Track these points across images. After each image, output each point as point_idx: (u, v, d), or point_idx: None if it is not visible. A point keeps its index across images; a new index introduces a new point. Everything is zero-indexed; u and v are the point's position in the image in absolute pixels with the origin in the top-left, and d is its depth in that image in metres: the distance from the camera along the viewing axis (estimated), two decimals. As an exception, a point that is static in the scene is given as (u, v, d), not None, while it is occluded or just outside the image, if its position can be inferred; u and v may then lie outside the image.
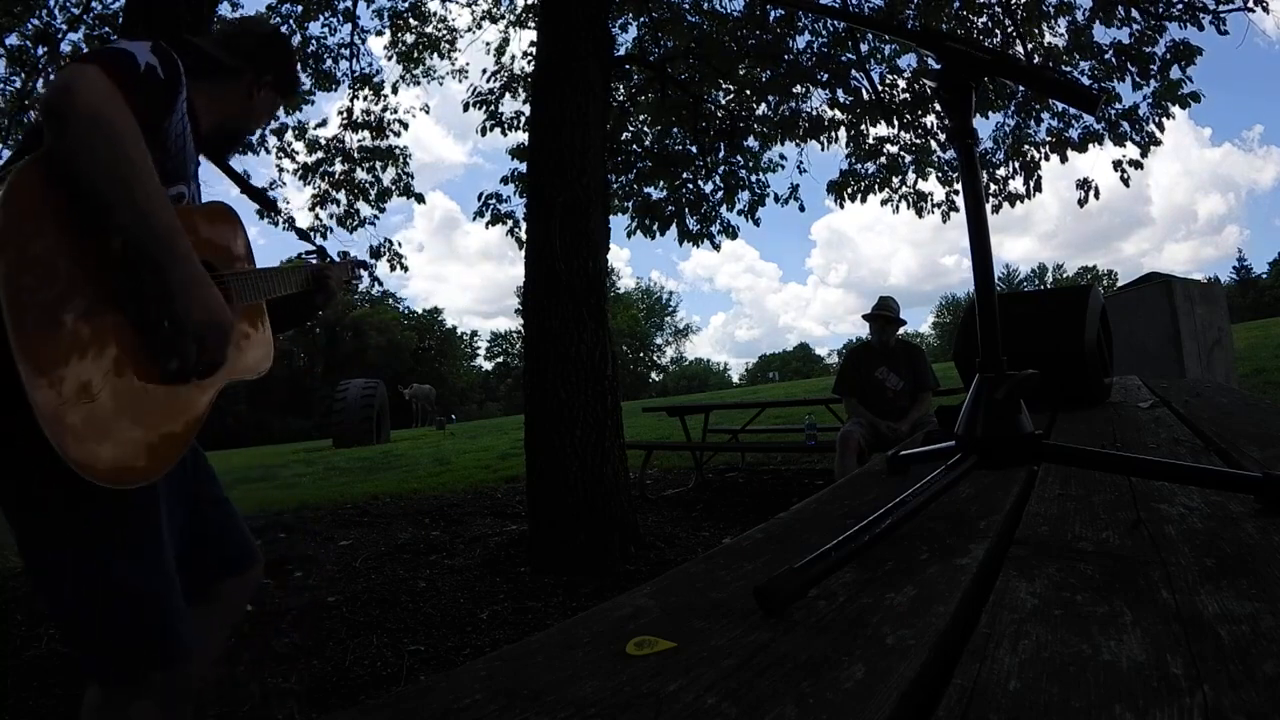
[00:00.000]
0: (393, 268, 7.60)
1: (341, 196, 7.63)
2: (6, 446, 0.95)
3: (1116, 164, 5.94)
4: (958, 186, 6.39)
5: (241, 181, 1.70)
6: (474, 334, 76.81)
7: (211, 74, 1.25)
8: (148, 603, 1.06)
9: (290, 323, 1.55)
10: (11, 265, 0.85)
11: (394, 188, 7.75)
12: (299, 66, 1.46)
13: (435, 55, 7.80)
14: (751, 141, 6.74)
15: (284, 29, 7.08)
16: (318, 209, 7.55)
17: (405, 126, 7.67)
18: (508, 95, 7.12)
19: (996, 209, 6.70)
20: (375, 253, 7.34)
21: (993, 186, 6.58)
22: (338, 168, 7.64)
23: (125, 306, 0.98)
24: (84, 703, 1.10)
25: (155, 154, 1.00)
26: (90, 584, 1.02)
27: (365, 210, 7.71)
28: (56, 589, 1.03)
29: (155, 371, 1.03)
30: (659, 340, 63.23)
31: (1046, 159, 6.34)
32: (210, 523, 1.30)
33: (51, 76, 6.38)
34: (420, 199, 7.89)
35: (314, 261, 1.60)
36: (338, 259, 1.70)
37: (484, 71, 7.30)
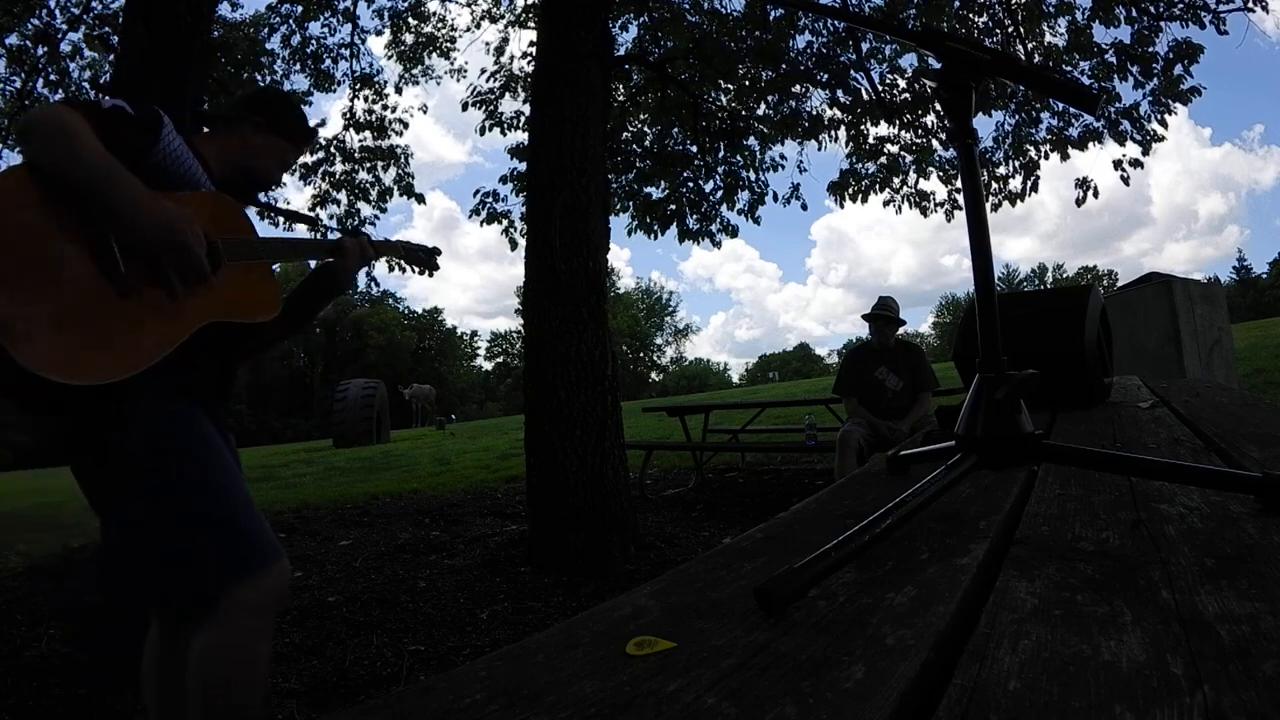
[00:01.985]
0: (391, 268, 7.61)
1: (342, 196, 7.64)
2: (60, 415, 1.14)
3: (1117, 163, 5.94)
4: (958, 185, 6.39)
5: (280, 211, 1.89)
6: (474, 334, 76.84)
7: (214, 128, 1.51)
8: (231, 510, 1.20)
9: (326, 292, 1.61)
10: None
11: (395, 187, 7.76)
12: (295, 110, 1.58)
13: (435, 55, 7.81)
14: (751, 141, 6.75)
15: (284, 29, 7.10)
16: (318, 209, 7.56)
17: (406, 126, 7.69)
18: (507, 95, 7.13)
19: (996, 208, 6.70)
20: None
21: (993, 185, 6.58)
22: (338, 168, 7.64)
23: (106, 250, 1.15)
24: (190, 654, 1.16)
25: (143, 172, 1.19)
26: (173, 518, 1.16)
27: (366, 210, 7.73)
28: (135, 526, 1.17)
29: (131, 295, 1.16)
30: (659, 340, 63.27)
31: (1046, 158, 6.34)
32: None
33: (52, 77, 6.40)
34: (421, 199, 7.89)
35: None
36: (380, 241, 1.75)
37: (483, 71, 7.30)
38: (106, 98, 1.29)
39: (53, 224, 1.12)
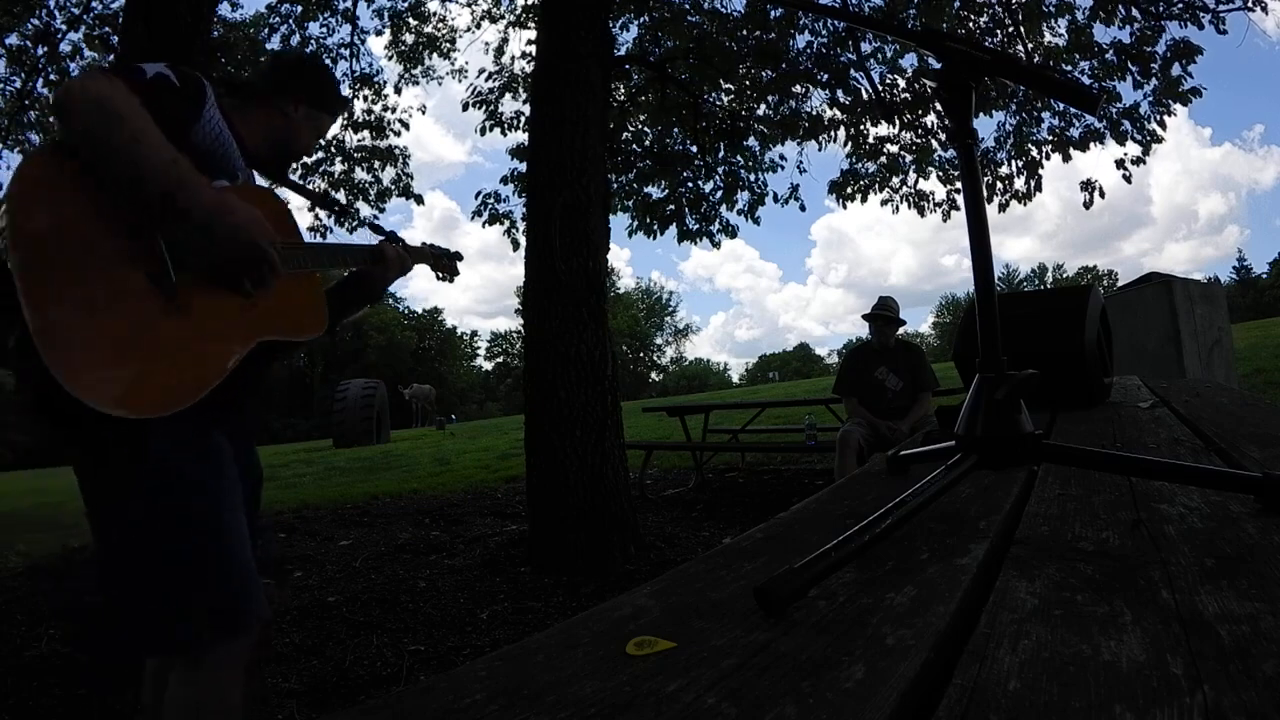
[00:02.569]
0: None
1: (340, 196, 7.64)
2: (78, 427, 1.03)
3: (1119, 162, 5.94)
4: (958, 185, 6.39)
5: (309, 193, 1.78)
6: (474, 334, 76.71)
7: (249, 98, 1.37)
8: (232, 568, 1.11)
9: (360, 299, 1.56)
10: (27, 241, 0.95)
11: (394, 188, 7.76)
12: (333, 82, 1.49)
13: (435, 55, 7.81)
14: (751, 141, 6.75)
15: (283, 29, 7.09)
16: (317, 208, 7.55)
17: (405, 126, 7.68)
18: (507, 95, 7.13)
19: (1003, 208, 6.70)
20: None
21: (997, 185, 6.57)
22: (337, 167, 7.64)
23: (152, 255, 1.04)
24: (169, 694, 1.11)
25: (188, 154, 1.07)
26: (171, 551, 1.07)
27: (365, 210, 7.73)
28: (133, 562, 1.07)
29: (184, 315, 1.07)
30: (659, 340, 63.25)
31: (1048, 158, 6.34)
32: (253, 518, 1.31)
33: (52, 77, 6.39)
34: (419, 200, 7.89)
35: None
36: (410, 246, 1.68)
37: (483, 72, 7.28)
38: (149, 65, 1.12)
39: (94, 222, 1.00)
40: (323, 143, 7.52)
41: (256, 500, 1.38)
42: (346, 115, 7.56)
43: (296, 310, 1.27)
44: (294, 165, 1.53)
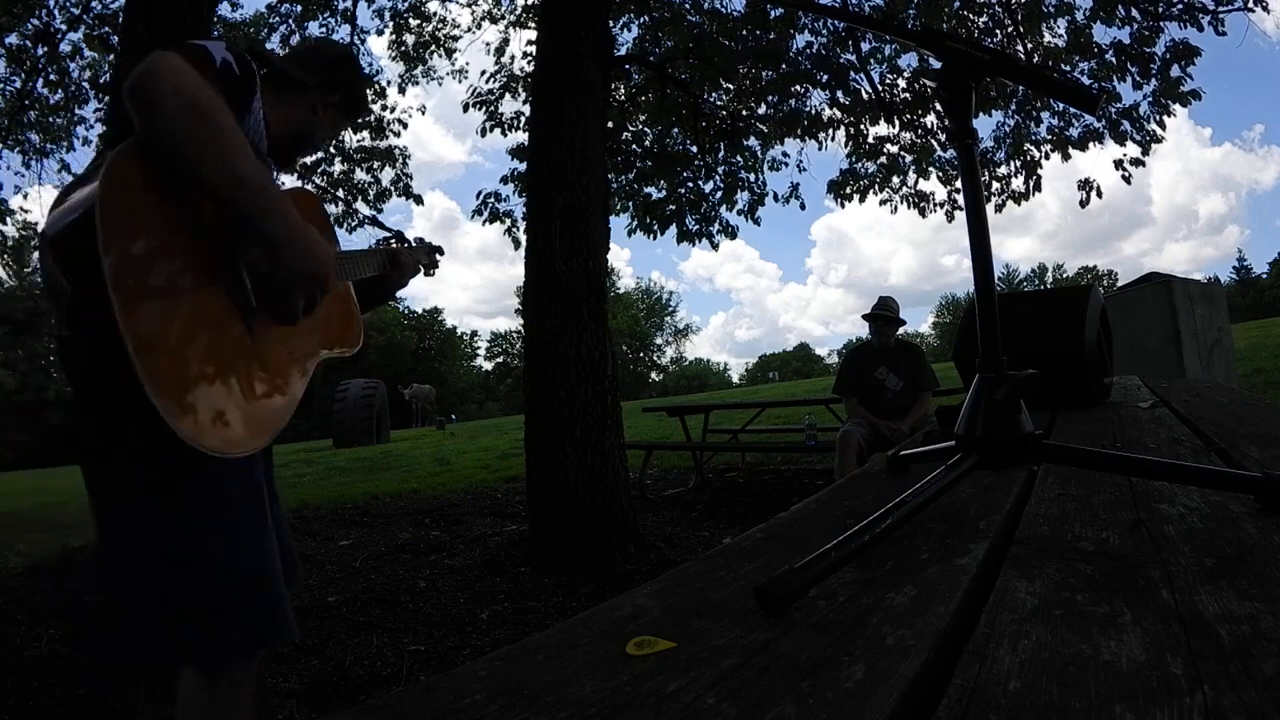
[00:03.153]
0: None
1: (340, 195, 7.64)
2: (121, 427, 0.98)
3: (1118, 163, 5.94)
4: (958, 185, 6.39)
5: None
6: (474, 334, 76.68)
7: (282, 87, 1.28)
8: (262, 583, 1.07)
9: (372, 304, 1.56)
10: (118, 248, 0.88)
11: (392, 188, 7.76)
12: (366, 88, 1.47)
13: (436, 55, 7.81)
14: (752, 141, 6.75)
15: (283, 29, 7.09)
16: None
17: (405, 126, 7.69)
18: (508, 95, 7.13)
19: (1000, 208, 6.71)
20: None
21: (995, 185, 6.58)
22: (336, 167, 7.65)
23: (233, 274, 1.00)
24: (183, 699, 1.07)
25: None
26: (204, 564, 1.02)
27: (364, 210, 7.73)
28: (159, 572, 1.01)
29: (261, 339, 1.04)
30: (659, 340, 63.23)
31: (1047, 158, 6.35)
32: (279, 521, 1.27)
33: (52, 76, 6.39)
34: (419, 201, 7.90)
35: (392, 245, 1.64)
36: (413, 244, 1.72)
37: (483, 72, 7.30)
38: (215, 48, 1.05)
39: (179, 232, 0.96)
40: (322, 142, 7.53)
41: (275, 497, 1.35)
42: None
43: (341, 324, 1.25)
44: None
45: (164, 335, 0.91)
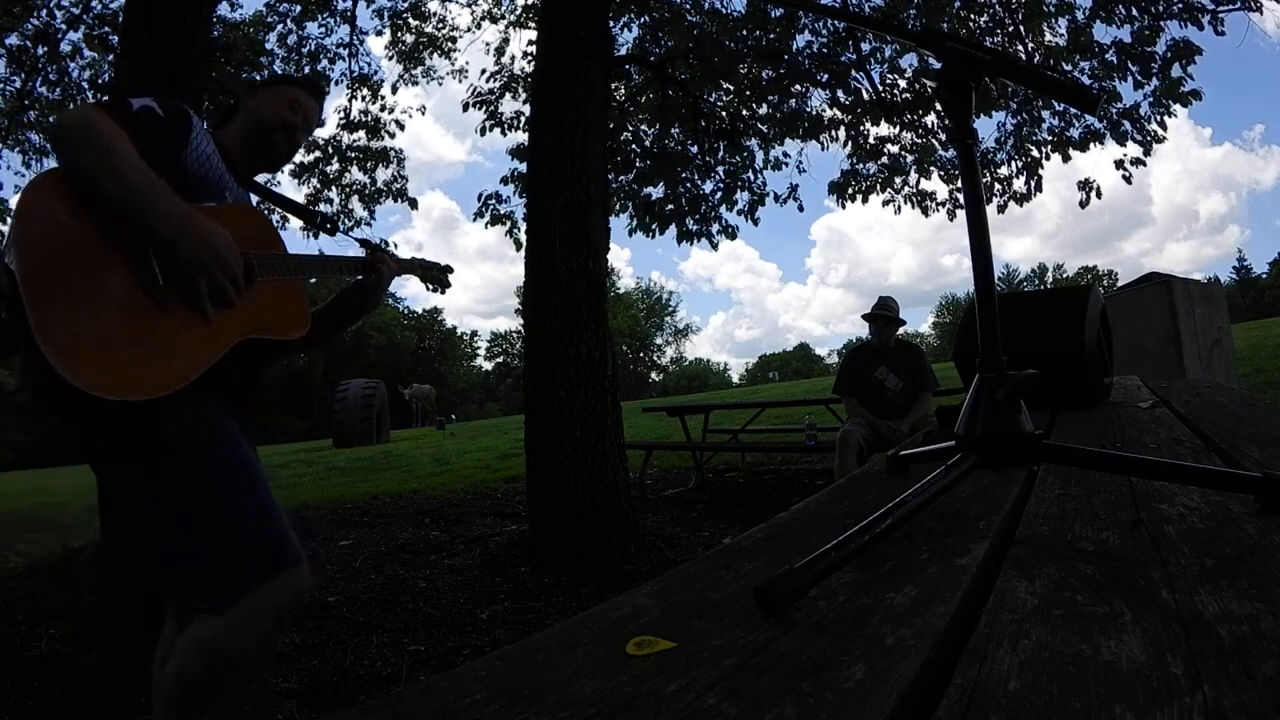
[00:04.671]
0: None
1: (334, 195, 7.63)
2: (91, 411, 1.11)
3: (1119, 163, 5.93)
4: (960, 185, 6.38)
5: (295, 207, 1.91)
6: (474, 334, 76.77)
7: (228, 118, 1.52)
8: (256, 520, 1.23)
9: (352, 313, 1.67)
10: (28, 246, 1.07)
11: (386, 189, 7.74)
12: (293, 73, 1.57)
13: (436, 54, 7.80)
14: (752, 141, 6.74)
15: (281, 28, 7.09)
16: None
17: (401, 127, 7.67)
18: (508, 95, 7.12)
19: (1002, 209, 6.69)
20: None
21: (996, 186, 6.57)
22: (334, 167, 7.63)
23: (132, 261, 1.15)
24: (188, 631, 1.19)
25: (177, 178, 1.21)
26: (199, 512, 1.18)
27: (360, 211, 7.71)
28: (161, 528, 1.18)
29: (167, 309, 1.17)
30: (659, 340, 63.23)
31: (1048, 158, 6.34)
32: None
33: (52, 76, 6.39)
34: (413, 204, 7.87)
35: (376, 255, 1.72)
36: (417, 261, 1.82)
37: (483, 72, 7.29)
38: (136, 99, 1.27)
39: (91, 232, 1.12)
40: (321, 141, 7.52)
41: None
42: (344, 115, 7.55)
43: (278, 312, 1.37)
44: (294, 157, 1.59)
45: (63, 310, 1.06)
